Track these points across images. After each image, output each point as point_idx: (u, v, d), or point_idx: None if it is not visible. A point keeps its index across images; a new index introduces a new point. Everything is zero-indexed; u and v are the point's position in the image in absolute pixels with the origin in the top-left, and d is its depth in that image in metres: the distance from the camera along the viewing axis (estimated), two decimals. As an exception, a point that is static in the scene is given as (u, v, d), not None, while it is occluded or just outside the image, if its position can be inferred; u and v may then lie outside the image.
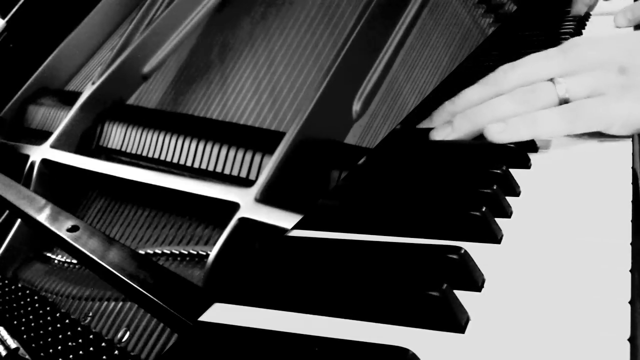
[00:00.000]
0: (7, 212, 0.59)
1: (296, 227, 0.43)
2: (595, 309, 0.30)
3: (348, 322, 0.33)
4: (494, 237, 0.38)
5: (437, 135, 0.52)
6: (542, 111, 0.48)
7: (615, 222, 0.37)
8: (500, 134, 0.48)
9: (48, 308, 0.45)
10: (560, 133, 0.48)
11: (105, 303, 0.43)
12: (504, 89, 0.51)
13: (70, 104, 0.67)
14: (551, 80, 0.49)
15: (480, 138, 0.53)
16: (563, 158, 0.49)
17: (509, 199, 0.42)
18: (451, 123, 0.52)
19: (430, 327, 0.31)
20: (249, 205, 0.44)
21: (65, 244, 0.49)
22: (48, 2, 0.89)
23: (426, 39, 0.57)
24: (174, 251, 0.45)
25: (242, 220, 0.43)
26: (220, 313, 0.37)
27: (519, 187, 0.44)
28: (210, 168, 0.51)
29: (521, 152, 0.48)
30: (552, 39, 0.75)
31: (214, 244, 0.42)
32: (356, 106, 0.50)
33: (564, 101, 0.48)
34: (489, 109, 0.50)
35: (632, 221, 0.37)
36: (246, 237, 0.43)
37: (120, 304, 0.42)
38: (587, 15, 0.84)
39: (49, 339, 0.41)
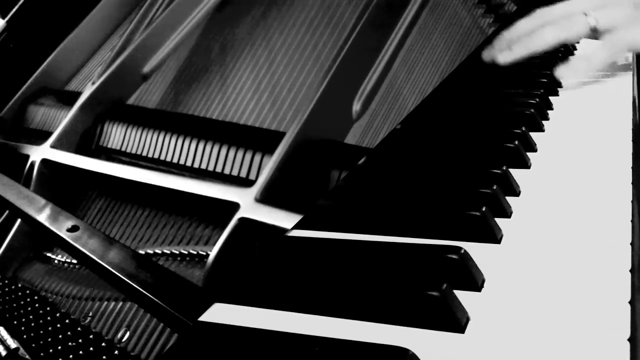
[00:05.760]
0: (7, 212, 0.59)
1: (296, 227, 0.43)
2: (595, 309, 0.30)
3: (348, 322, 0.33)
4: (494, 237, 0.38)
5: (500, 58, 0.67)
6: (592, 52, 0.63)
7: (615, 222, 0.37)
8: (570, 75, 0.64)
9: (48, 308, 0.45)
10: (607, 59, 0.64)
11: (105, 303, 0.43)
12: (547, 21, 0.66)
13: (70, 104, 0.67)
14: (584, 13, 0.63)
15: (480, 136, 0.53)
16: (563, 158, 0.49)
17: (509, 199, 0.42)
18: (510, 48, 0.67)
19: (430, 327, 0.31)
20: (249, 205, 0.44)
21: (65, 244, 0.49)
22: (48, 2, 0.89)
23: (426, 39, 0.57)
24: (174, 251, 0.45)
25: (242, 220, 0.43)
26: (220, 313, 0.37)
27: (519, 187, 0.44)
28: (210, 168, 0.51)
29: (521, 152, 0.48)
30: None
31: (214, 244, 0.42)
32: (356, 106, 0.50)
33: (594, 29, 0.63)
34: (539, 36, 0.65)
35: (632, 221, 0.37)
36: (246, 237, 0.43)
37: (120, 304, 0.42)
38: None
39: (49, 339, 0.41)
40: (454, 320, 0.31)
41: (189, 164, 0.52)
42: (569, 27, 0.64)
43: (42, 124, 0.73)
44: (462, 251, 0.34)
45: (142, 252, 0.46)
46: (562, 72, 0.65)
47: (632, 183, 0.42)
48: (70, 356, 0.39)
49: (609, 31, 0.63)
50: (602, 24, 0.63)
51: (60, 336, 0.41)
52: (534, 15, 0.68)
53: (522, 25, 0.68)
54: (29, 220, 0.55)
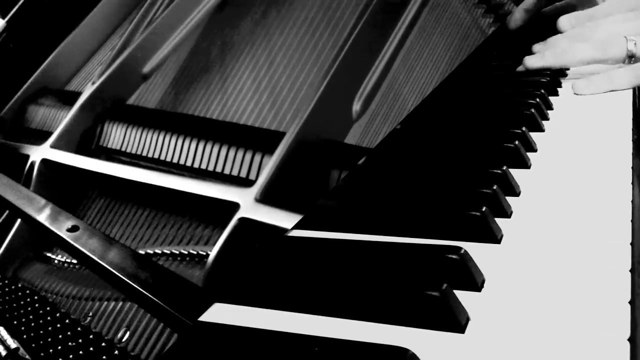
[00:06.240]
0: (7, 212, 0.59)
1: (296, 227, 0.43)
2: (595, 309, 0.30)
3: (348, 322, 0.33)
4: (494, 237, 0.38)
5: (528, 61, 0.69)
6: (616, 70, 0.61)
7: (615, 222, 0.37)
8: (586, 89, 0.62)
9: (48, 308, 0.45)
10: (630, 86, 0.61)
11: (105, 303, 0.43)
12: (587, 38, 0.66)
13: (70, 104, 0.67)
14: (625, 37, 0.62)
15: (480, 136, 0.53)
16: (563, 158, 0.49)
17: (509, 199, 0.42)
18: (542, 55, 0.68)
19: (430, 327, 0.31)
20: (249, 205, 0.44)
21: (65, 244, 0.49)
22: (48, 2, 0.89)
23: (426, 39, 0.57)
24: (174, 251, 0.45)
25: (242, 220, 0.43)
26: (220, 313, 0.37)
27: (519, 187, 0.44)
28: (210, 168, 0.51)
29: (521, 152, 0.48)
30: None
31: (214, 244, 0.42)
32: (356, 106, 0.50)
33: (631, 54, 0.62)
34: (572, 51, 0.65)
35: (632, 221, 0.37)
36: (246, 237, 0.43)
37: (120, 304, 0.42)
38: None
39: (49, 339, 0.41)
40: (454, 320, 0.31)
41: (189, 164, 0.52)
42: (605, 48, 0.63)
43: (42, 124, 0.73)
44: (462, 251, 0.34)
45: (142, 252, 0.46)
46: (580, 86, 0.63)
47: (632, 183, 0.42)
48: (70, 356, 0.39)
49: None
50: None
51: (60, 336, 0.41)
52: (574, 32, 0.67)
53: (561, 38, 0.68)
54: (29, 220, 0.55)
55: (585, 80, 0.62)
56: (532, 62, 0.69)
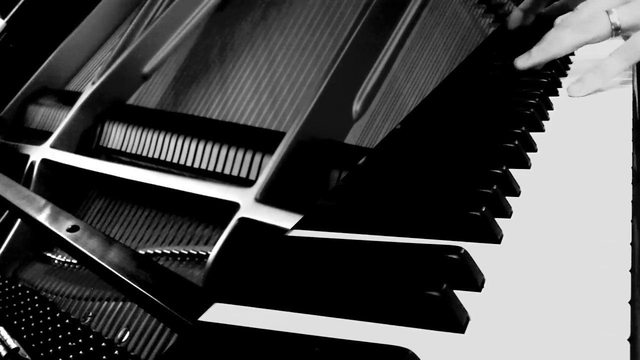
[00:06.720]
0: (7, 212, 0.59)
1: (296, 227, 0.43)
2: (595, 309, 0.30)
3: (348, 322, 0.33)
4: (494, 237, 0.38)
5: (519, 63, 0.68)
6: (604, 61, 0.59)
7: (615, 222, 0.37)
8: (581, 91, 0.60)
9: (48, 308, 0.45)
10: (624, 69, 0.59)
11: (105, 303, 0.43)
12: (572, 23, 0.63)
13: (70, 104, 0.67)
14: (607, 12, 0.59)
15: (480, 136, 0.53)
16: (563, 158, 0.49)
17: (509, 199, 0.42)
18: (529, 53, 0.66)
19: (430, 327, 0.31)
20: (249, 205, 0.44)
21: (65, 244, 0.49)
22: (48, 2, 0.89)
23: (426, 39, 0.57)
24: (174, 251, 0.45)
25: (242, 220, 0.43)
26: (220, 313, 0.37)
27: (519, 187, 0.44)
28: (210, 168, 0.51)
29: (521, 152, 0.48)
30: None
31: (214, 244, 0.42)
32: (356, 106, 0.50)
33: (616, 26, 0.59)
34: (557, 40, 0.63)
35: (632, 221, 0.37)
36: (246, 237, 0.43)
37: (120, 304, 0.42)
38: None
39: (49, 339, 0.41)
40: (454, 320, 0.31)
41: (189, 164, 0.52)
42: (588, 29, 0.60)
43: (42, 124, 0.73)
44: (462, 251, 0.34)
45: (142, 252, 0.46)
46: (574, 89, 0.60)
47: (632, 183, 0.42)
48: (70, 356, 0.39)
49: (633, 30, 0.58)
50: (625, 22, 0.58)
51: (60, 336, 0.41)
52: (558, 21, 0.65)
53: (548, 32, 0.66)
54: (29, 220, 0.55)
55: (578, 82, 0.61)
56: (521, 62, 0.67)
